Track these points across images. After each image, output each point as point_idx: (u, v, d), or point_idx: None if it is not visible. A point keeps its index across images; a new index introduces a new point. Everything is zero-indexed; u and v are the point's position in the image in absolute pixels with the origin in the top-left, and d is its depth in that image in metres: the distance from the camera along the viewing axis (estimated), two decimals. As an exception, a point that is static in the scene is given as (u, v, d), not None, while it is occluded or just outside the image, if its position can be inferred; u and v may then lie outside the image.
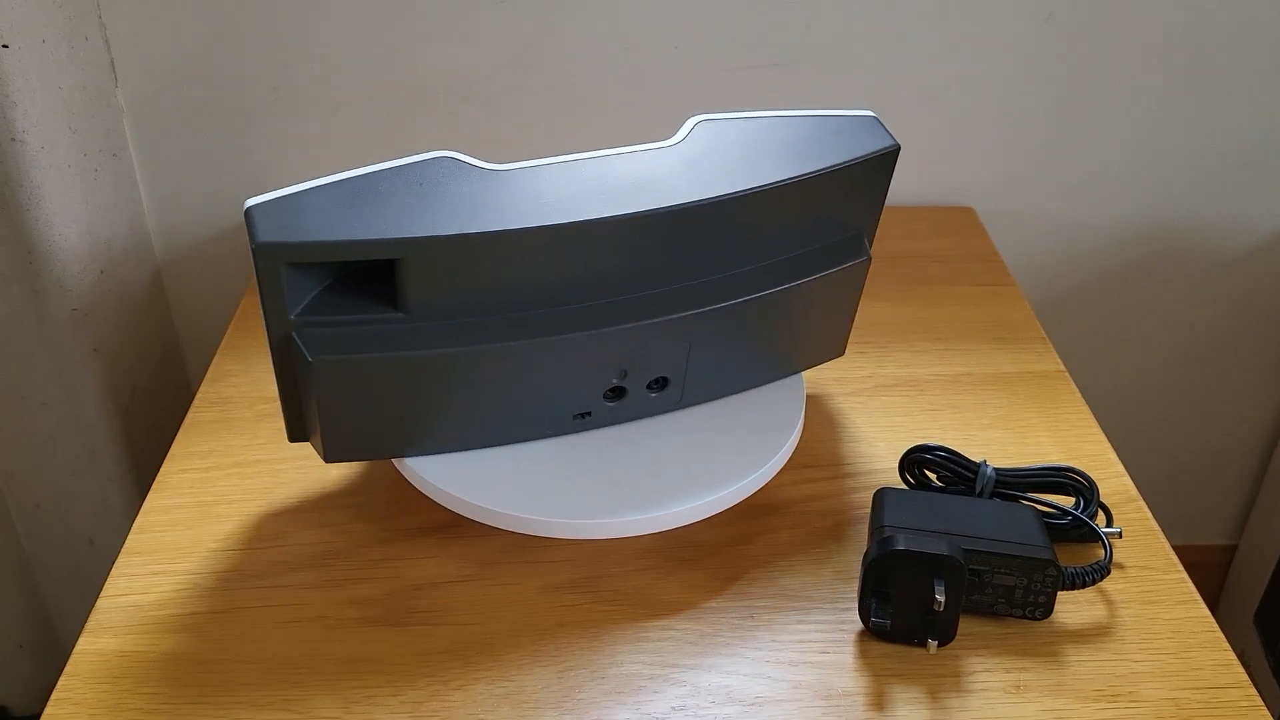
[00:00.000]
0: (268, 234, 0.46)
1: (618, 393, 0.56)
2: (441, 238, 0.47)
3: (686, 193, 0.50)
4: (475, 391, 0.53)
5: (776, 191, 0.51)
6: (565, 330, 0.51)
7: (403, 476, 0.57)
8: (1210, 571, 1.11)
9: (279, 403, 0.66)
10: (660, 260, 0.52)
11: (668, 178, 0.51)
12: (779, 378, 0.61)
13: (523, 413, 0.55)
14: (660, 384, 0.57)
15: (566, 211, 0.49)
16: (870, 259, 0.57)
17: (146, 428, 0.86)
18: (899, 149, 0.54)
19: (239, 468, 0.61)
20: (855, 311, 0.61)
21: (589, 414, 0.56)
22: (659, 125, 0.84)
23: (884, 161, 0.54)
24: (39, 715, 0.49)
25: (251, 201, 0.47)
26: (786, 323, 0.58)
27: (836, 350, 0.63)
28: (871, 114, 0.55)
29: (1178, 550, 0.57)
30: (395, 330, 0.50)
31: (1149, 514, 0.59)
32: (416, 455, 0.56)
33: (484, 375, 0.52)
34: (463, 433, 0.55)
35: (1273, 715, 1.00)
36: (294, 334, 0.49)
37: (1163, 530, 0.58)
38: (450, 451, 0.56)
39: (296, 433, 0.54)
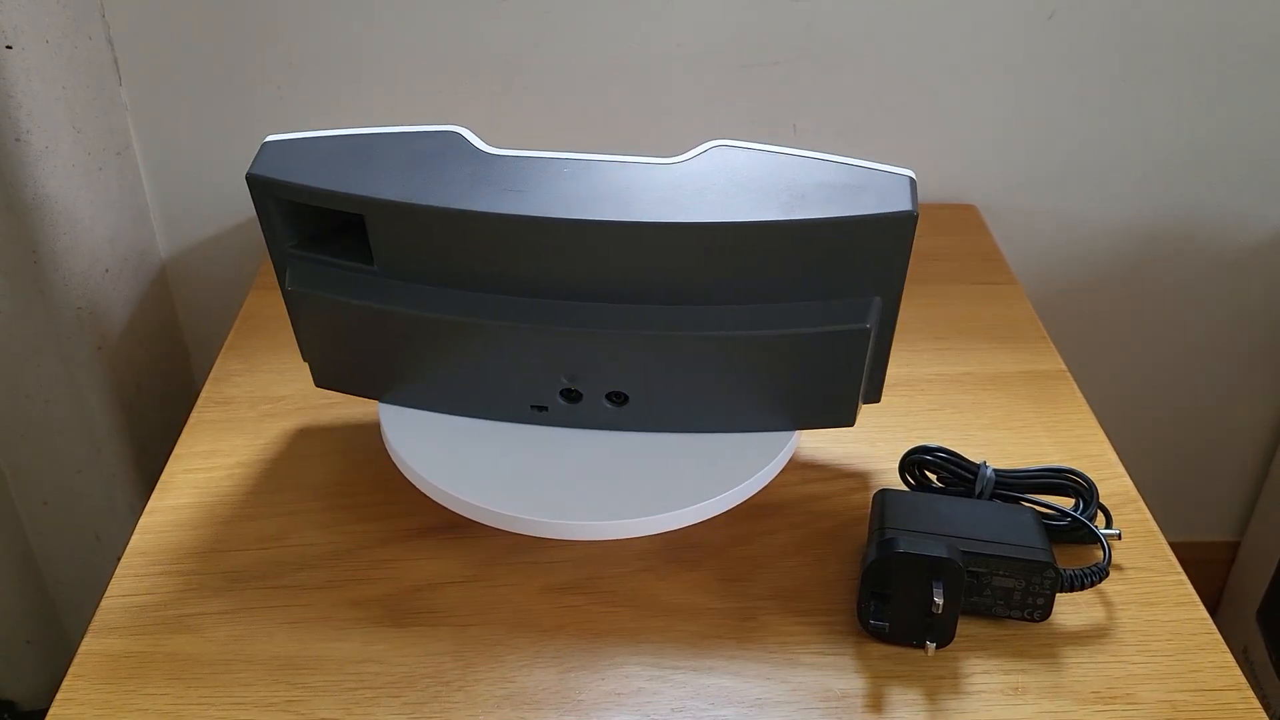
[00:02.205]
0: (260, 168, 0.51)
1: (573, 395, 0.56)
2: (403, 204, 0.50)
3: (656, 212, 0.49)
4: (432, 356, 0.56)
5: (750, 231, 0.49)
6: (511, 319, 0.53)
7: (405, 478, 0.58)
8: (1214, 568, 1.11)
9: (283, 401, 0.66)
10: (621, 275, 0.51)
11: (652, 194, 0.50)
12: (772, 430, 0.58)
13: (479, 389, 0.57)
14: (620, 399, 0.56)
15: (535, 205, 0.49)
16: (869, 331, 0.52)
17: (151, 425, 0.86)
18: (914, 217, 0.49)
19: (242, 468, 0.61)
20: (860, 382, 0.55)
21: (545, 409, 0.57)
22: (664, 122, 0.84)
23: (892, 226, 0.50)
24: (45, 711, 0.49)
25: (270, 137, 0.52)
26: (763, 373, 0.54)
27: (843, 419, 0.57)
28: (909, 174, 0.50)
29: (1181, 547, 0.58)
30: (365, 280, 0.54)
31: (1149, 515, 0.59)
32: (389, 404, 0.60)
33: (439, 343, 0.55)
34: (425, 393, 0.58)
35: (1276, 710, 1.00)
36: (287, 262, 0.55)
37: (1166, 527, 0.58)
38: (417, 408, 0.59)
39: (303, 353, 0.59)
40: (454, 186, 0.50)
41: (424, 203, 0.49)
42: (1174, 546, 0.58)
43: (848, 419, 0.57)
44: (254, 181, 0.51)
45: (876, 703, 0.49)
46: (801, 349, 0.53)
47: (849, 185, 0.50)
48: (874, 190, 0.50)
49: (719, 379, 0.55)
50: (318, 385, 0.60)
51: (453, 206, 0.49)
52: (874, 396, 0.58)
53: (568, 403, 0.57)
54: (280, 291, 0.56)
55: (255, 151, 0.84)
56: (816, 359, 0.54)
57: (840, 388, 0.55)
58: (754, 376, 0.55)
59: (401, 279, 0.53)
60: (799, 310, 0.52)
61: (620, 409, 0.57)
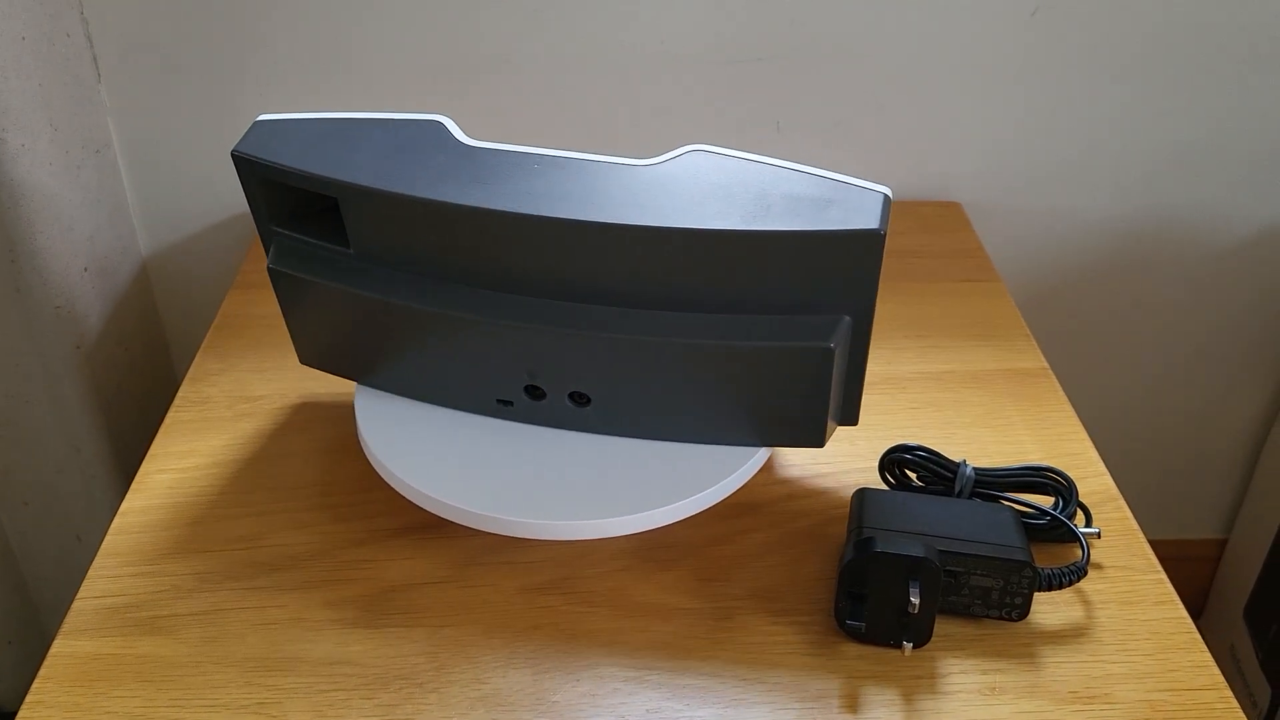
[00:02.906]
0: (244, 146, 0.52)
1: (536, 393, 0.56)
2: (371, 189, 0.50)
3: (616, 213, 0.48)
4: (402, 342, 0.56)
5: (708, 239, 0.48)
6: (473, 311, 0.53)
7: (381, 478, 0.57)
8: (1200, 566, 1.11)
9: (260, 401, 0.66)
10: (581, 274, 0.51)
11: (619, 195, 0.49)
12: (738, 444, 0.57)
13: (446, 379, 0.57)
14: (583, 400, 0.56)
15: (497, 198, 0.49)
16: (832, 350, 0.51)
17: (132, 424, 0.86)
18: (880, 236, 0.48)
19: (218, 468, 0.61)
20: (826, 403, 0.53)
21: (510, 404, 0.57)
22: (647, 119, 0.84)
23: (858, 244, 0.48)
24: (23, 713, 0.49)
25: (262, 116, 0.54)
26: (726, 385, 0.53)
27: (811, 440, 0.56)
28: (884, 192, 0.49)
29: (1168, 545, 0.57)
30: (341, 263, 0.55)
31: (1129, 514, 0.59)
32: (367, 385, 0.61)
33: (407, 330, 0.55)
34: (397, 378, 0.59)
35: (1261, 708, 1.00)
36: (271, 240, 0.56)
37: (1153, 525, 0.58)
38: (390, 392, 0.60)
39: (288, 330, 0.61)
40: (424, 175, 0.50)
41: (390, 189, 0.50)
42: (1161, 544, 0.57)
43: (816, 440, 0.56)
44: (238, 159, 0.52)
45: (853, 703, 0.49)
46: (764, 364, 0.52)
47: (819, 199, 0.49)
48: (843, 205, 0.48)
49: (681, 388, 0.54)
50: (301, 362, 0.61)
51: (417, 194, 0.50)
52: (849, 419, 0.56)
53: (531, 399, 0.56)
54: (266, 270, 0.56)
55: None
56: (780, 375, 0.52)
57: (806, 407, 0.54)
58: (717, 388, 0.53)
59: (375, 264, 0.54)
60: (763, 324, 0.51)
61: (583, 410, 0.56)
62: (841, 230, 0.47)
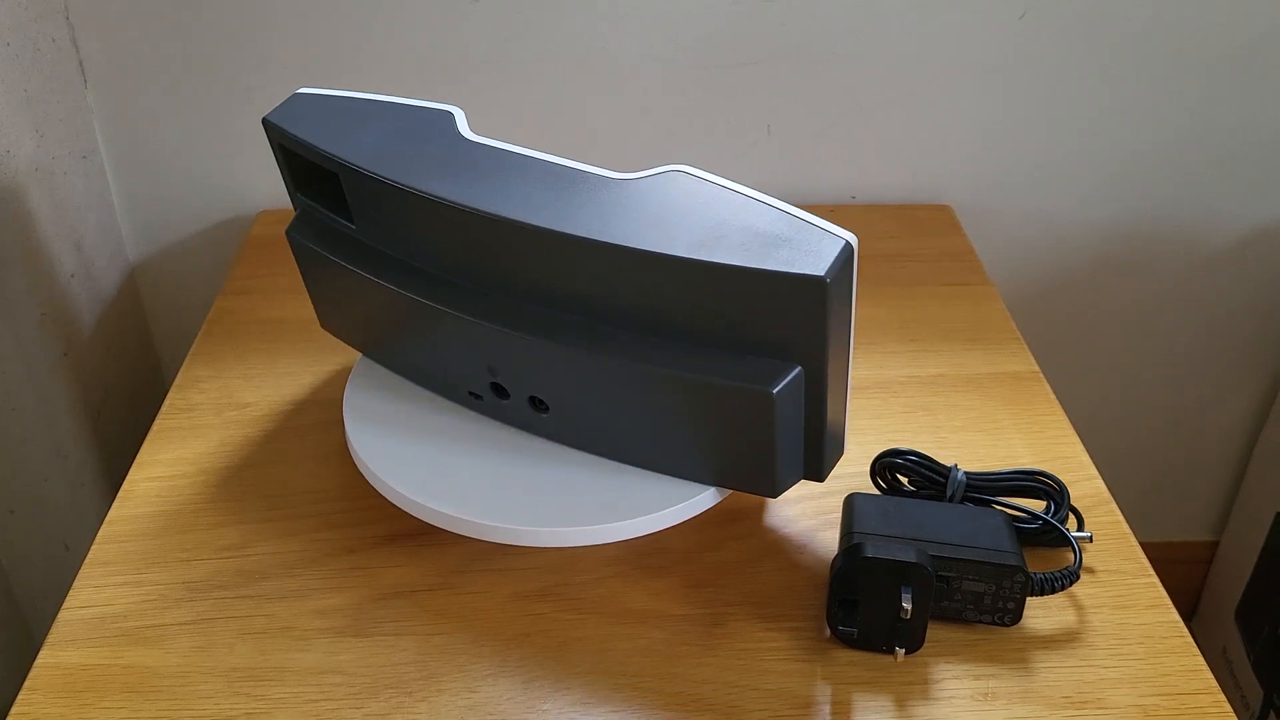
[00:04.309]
0: (275, 115, 0.55)
1: (500, 391, 0.56)
2: (362, 170, 0.51)
3: (568, 222, 0.48)
4: (388, 321, 0.57)
5: (648, 261, 0.46)
6: (440, 300, 0.53)
7: (370, 485, 0.57)
8: (1192, 568, 1.11)
9: (249, 407, 0.65)
10: (537, 279, 0.51)
11: (586, 205, 0.48)
12: (694, 481, 0.54)
13: (427, 363, 0.58)
14: (541, 406, 0.55)
15: (467, 193, 0.49)
16: (772, 396, 0.47)
17: (120, 431, 0.85)
18: (824, 283, 0.44)
19: (206, 475, 0.61)
20: (773, 452, 0.50)
21: (480, 398, 0.57)
22: (637, 123, 0.84)
23: (801, 289, 0.45)
24: (10, 724, 0.48)
25: (302, 89, 0.57)
26: (676, 416, 0.51)
27: (764, 488, 0.53)
28: (847, 239, 0.46)
29: (1160, 547, 0.57)
30: (344, 236, 0.56)
31: (1121, 517, 0.58)
32: (370, 358, 0.63)
33: (392, 310, 0.56)
34: (388, 356, 0.61)
35: (1253, 709, 1.00)
36: (295, 206, 0.58)
37: (1145, 527, 0.58)
38: (386, 368, 0.62)
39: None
40: (414, 162, 0.51)
41: (376, 172, 0.51)
42: (1153, 547, 0.57)
43: (768, 489, 0.52)
44: (266, 125, 0.55)
45: (845, 709, 0.49)
46: (708, 399, 0.49)
47: (776, 236, 0.46)
48: (797, 247, 0.45)
49: (632, 410, 0.52)
50: (322, 326, 0.64)
51: (395, 179, 0.50)
52: (813, 474, 0.53)
53: (497, 397, 0.56)
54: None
55: (223, 154, 0.83)
56: (725, 415, 0.50)
57: (754, 453, 0.51)
58: (666, 417, 0.52)
59: (371, 242, 0.56)
60: (713, 358, 0.49)
61: (543, 416, 0.56)
62: (782, 272, 0.45)
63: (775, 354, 0.48)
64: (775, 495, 0.53)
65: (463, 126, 0.53)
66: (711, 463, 0.53)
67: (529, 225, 0.48)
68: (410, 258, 0.55)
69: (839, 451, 0.54)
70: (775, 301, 0.46)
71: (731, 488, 0.54)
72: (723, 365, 0.49)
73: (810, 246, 0.45)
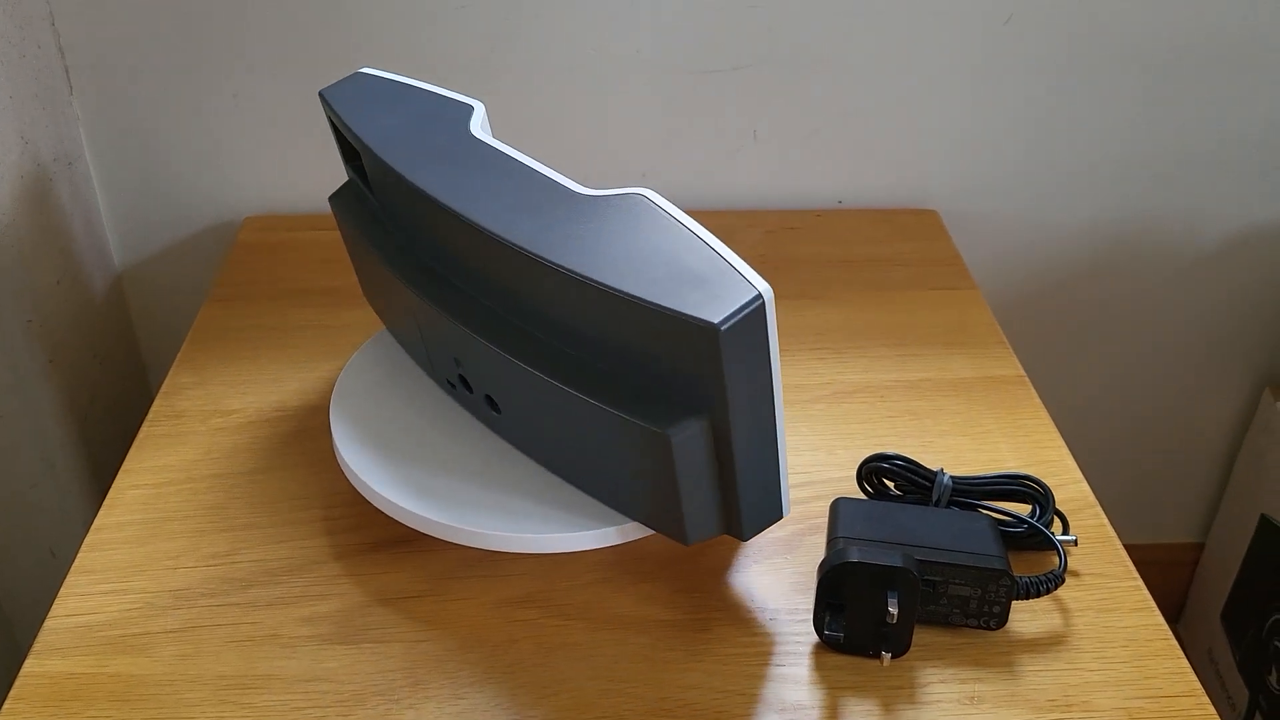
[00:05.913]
0: (328, 90, 0.58)
1: (466, 384, 0.57)
2: (371, 150, 0.53)
3: (508, 228, 0.47)
4: (392, 296, 0.58)
5: (556, 276, 0.46)
6: (415, 285, 0.54)
7: (357, 492, 0.57)
8: (1178, 570, 1.12)
9: (235, 414, 0.65)
10: (491, 281, 0.51)
11: (539, 212, 0.48)
12: (617, 509, 0.53)
13: (419, 345, 0.59)
14: (495, 406, 0.55)
15: (436, 186, 0.50)
16: (667, 438, 0.45)
17: (106, 439, 0.85)
18: (716, 331, 0.42)
19: (191, 483, 0.60)
20: (678, 498, 0.48)
21: (455, 387, 0.58)
22: (623, 128, 0.84)
23: (695, 335, 0.42)
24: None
25: (365, 69, 0.59)
26: (596, 443, 0.50)
27: (677, 533, 0.50)
28: (758, 290, 0.43)
29: (1145, 549, 0.58)
30: (365, 209, 0.59)
31: (1106, 521, 0.59)
32: (387, 328, 0.64)
33: (392, 286, 0.57)
34: (397, 333, 0.63)
35: (1239, 710, 1.00)
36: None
37: (1130, 530, 0.58)
38: (398, 343, 0.64)
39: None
40: (412, 150, 0.53)
41: (378, 152, 0.53)
42: (1138, 549, 0.58)
43: (679, 535, 0.50)
44: (322, 98, 0.58)
45: (832, 713, 0.49)
46: (615, 431, 0.48)
47: (697, 276, 0.44)
48: (709, 290, 0.43)
49: (563, 428, 0.51)
50: (364, 293, 0.66)
51: (390, 163, 0.52)
52: (735, 531, 0.50)
53: (465, 389, 0.57)
54: None
55: (209, 161, 0.83)
56: (632, 452, 0.48)
57: (662, 496, 0.49)
58: (588, 442, 0.50)
59: (383, 219, 0.58)
60: (626, 392, 0.47)
61: (498, 416, 0.56)
62: (676, 312, 0.42)
63: (687, 400, 0.46)
64: (687, 544, 0.50)
65: (475, 121, 0.54)
66: (630, 498, 0.52)
67: (475, 224, 0.48)
68: (406, 240, 0.56)
69: (775, 514, 0.50)
70: (676, 343, 0.44)
71: (650, 525, 0.52)
72: (630, 401, 0.47)
73: (721, 291, 0.43)
